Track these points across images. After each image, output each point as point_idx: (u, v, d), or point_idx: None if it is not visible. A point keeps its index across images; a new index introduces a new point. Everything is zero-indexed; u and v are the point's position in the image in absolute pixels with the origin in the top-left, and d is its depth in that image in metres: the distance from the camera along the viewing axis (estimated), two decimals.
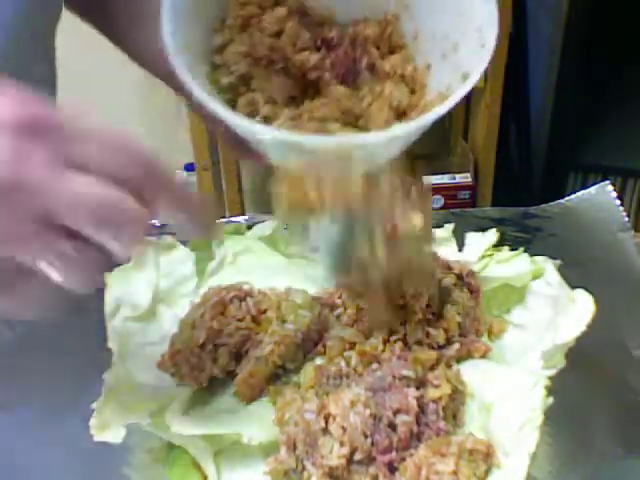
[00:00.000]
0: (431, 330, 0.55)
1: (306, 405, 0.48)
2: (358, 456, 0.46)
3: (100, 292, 0.58)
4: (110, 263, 0.37)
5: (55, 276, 0.35)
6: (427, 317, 0.55)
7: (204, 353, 0.54)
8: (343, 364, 0.52)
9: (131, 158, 0.37)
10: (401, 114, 0.51)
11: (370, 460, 0.47)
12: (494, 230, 0.64)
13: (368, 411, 0.47)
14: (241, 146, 0.52)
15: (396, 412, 0.48)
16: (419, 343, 0.54)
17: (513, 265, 0.61)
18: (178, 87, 0.57)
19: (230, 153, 0.53)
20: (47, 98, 0.36)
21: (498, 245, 0.64)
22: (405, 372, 0.50)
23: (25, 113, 0.34)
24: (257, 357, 0.53)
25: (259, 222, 0.70)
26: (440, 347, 0.55)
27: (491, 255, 0.62)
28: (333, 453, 0.46)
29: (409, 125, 0.45)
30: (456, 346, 0.55)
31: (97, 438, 0.48)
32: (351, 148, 0.44)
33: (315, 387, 0.51)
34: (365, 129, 0.49)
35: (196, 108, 0.56)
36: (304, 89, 0.52)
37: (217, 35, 0.51)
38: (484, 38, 0.46)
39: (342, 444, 0.46)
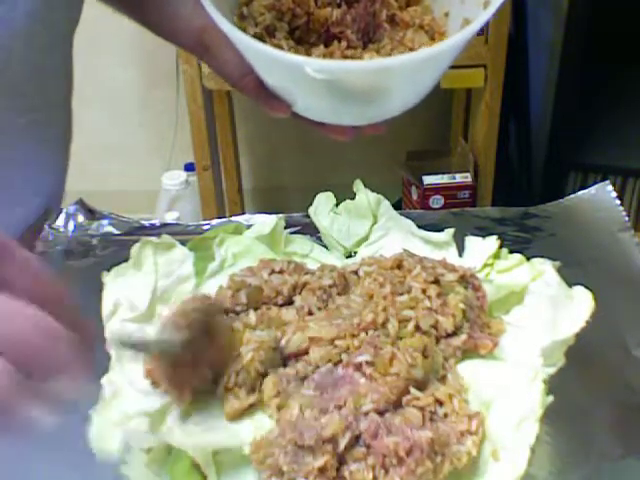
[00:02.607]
0: (440, 317, 0.54)
1: (271, 436, 0.48)
2: (345, 439, 0.46)
3: (98, 293, 0.58)
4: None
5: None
6: (435, 308, 0.55)
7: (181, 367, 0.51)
8: (300, 365, 0.51)
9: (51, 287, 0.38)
10: None
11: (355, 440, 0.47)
12: (494, 238, 0.64)
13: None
14: (268, 96, 0.53)
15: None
16: (427, 333, 0.53)
17: (514, 274, 0.60)
18: (211, 60, 0.59)
19: (257, 103, 0.55)
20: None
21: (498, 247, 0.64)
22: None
23: None
24: (236, 371, 0.51)
25: (259, 222, 0.70)
26: (448, 335, 0.54)
27: (492, 264, 0.62)
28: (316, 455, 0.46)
29: (432, 48, 0.46)
30: (463, 337, 0.54)
31: (95, 449, 0.48)
32: (386, 71, 0.45)
33: (278, 397, 0.50)
34: None
35: (226, 72, 0.58)
36: (326, 43, 0.54)
37: None
38: None
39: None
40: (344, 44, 0.53)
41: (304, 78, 0.46)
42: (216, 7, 0.47)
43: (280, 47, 0.51)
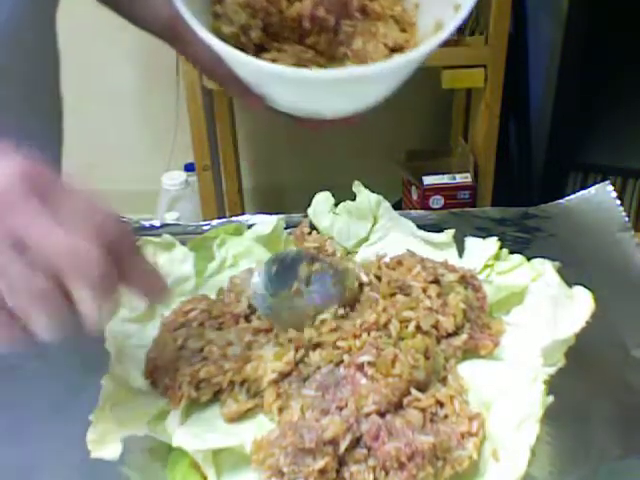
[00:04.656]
0: (440, 317, 0.54)
1: (272, 436, 0.47)
2: (346, 442, 0.46)
3: None
4: (77, 322, 0.40)
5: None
6: (436, 308, 0.55)
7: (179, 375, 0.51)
8: (302, 366, 0.51)
9: (110, 222, 0.41)
10: (397, 51, 0.53)
11: (356, 443, 0.47)
12: (495, 239, 0.64)
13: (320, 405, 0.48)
14: (242, 88, 0.53)
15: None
16: (428, 333, 0.53)
17: (514, 275, 0.60)
18: (183, 48, 0.60)
19: (233, 94, 0.57)
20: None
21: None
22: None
23: (30, 168, 0.39)
24: (240, 382, 0.52)
25: (259, 222, 0.70)
26: (449, 335, 0.54)
27: (492, 266, 0.62)
28: (317, 457, 0.46)
29: (408, 55, 0.47)
30: (464, 337, 0.54)
31: (94, 454, 0.48)
32: (354, 80, 0.46)
33: (279, 400, 0.50)
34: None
35: (198, 61, 0.59)
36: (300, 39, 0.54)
37: None
38: None
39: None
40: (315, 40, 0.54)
41: (268, 78, 0.48)
42: (187, 5, 0.47)
43: (255, 46, 0.53)
